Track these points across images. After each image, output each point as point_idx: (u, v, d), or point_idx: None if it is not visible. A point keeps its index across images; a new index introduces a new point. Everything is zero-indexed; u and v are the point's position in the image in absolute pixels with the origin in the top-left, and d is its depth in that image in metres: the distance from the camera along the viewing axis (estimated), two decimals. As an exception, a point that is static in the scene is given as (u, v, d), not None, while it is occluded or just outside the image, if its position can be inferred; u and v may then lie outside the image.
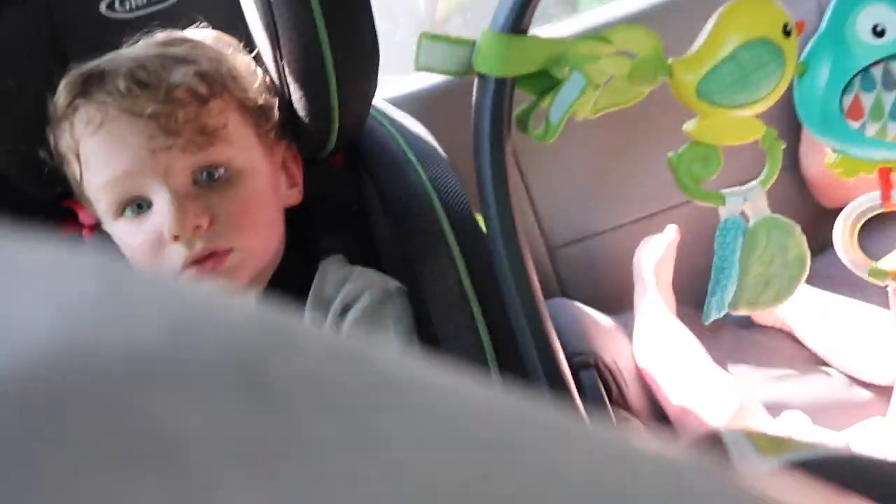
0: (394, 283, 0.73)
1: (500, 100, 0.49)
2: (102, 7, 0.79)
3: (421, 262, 0.73)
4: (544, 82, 0.52)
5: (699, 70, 0.52)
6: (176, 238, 0.61)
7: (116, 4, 0.79)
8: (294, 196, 0.74)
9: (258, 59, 0.74)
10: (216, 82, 0.64)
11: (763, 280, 0.51)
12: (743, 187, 0.54)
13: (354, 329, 0.67)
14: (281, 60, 0.71)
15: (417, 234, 0.74)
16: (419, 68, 0.50)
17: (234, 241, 0.64)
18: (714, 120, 0.53)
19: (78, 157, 0.65)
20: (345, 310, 0.69)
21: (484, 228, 0.76)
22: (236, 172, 0.64)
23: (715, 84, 0.52)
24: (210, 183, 0.63)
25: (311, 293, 0.71)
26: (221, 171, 0.63)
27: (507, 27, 0.47)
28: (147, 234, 0.63)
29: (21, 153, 0.70)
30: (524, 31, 0.48)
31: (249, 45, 0.75)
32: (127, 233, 0.65)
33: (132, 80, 0.61)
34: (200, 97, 0.63)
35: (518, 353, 0.63)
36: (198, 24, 0.73)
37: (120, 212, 0.64)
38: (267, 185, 0.68)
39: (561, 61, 0.50)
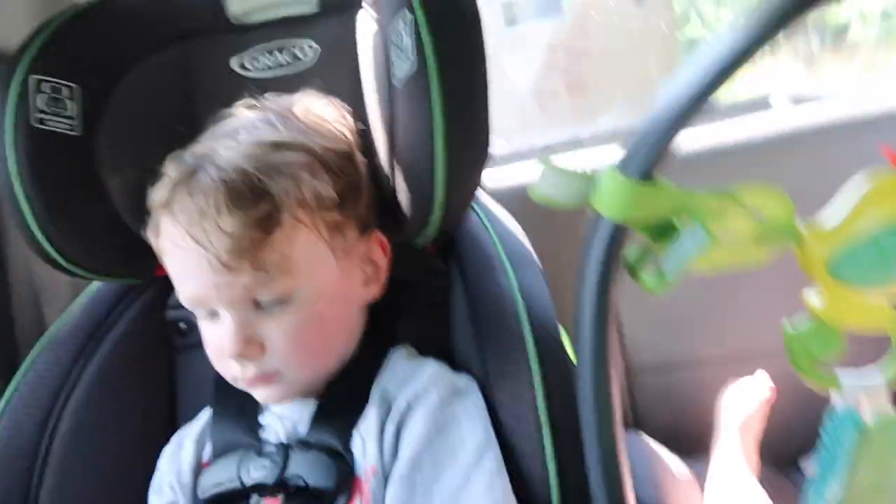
0: (464, 379, 0.70)
1: (613, 242, 0.47)
2: (234, 64, 0.82)
3: (497, 371, 0.71)
4: (661, 228, 0.50)
5: (834, 246, 0.48)
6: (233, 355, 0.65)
7: (247, 63, 0.82)
8: (373, 292, 0.73)
9: (365, 138, 0.75)
10: (289, 212, 0.64)
11: (876, 489, 0.46)
12: (863, 376, 0.50)
13: (423, 429, 0.65)
14: (393, 147, 0.71)
15: (499, 341, 0.72)
16: (536, 197, 0.48)
17: (282, 367, 0.66)
18: (841, 300, 0.49)
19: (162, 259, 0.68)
20: (409, 407, 0.66)
21: (569, 348, 0.74)
22: (296, 300, 0.65)
23: (849, 263, 0.48)
24: (271, 308, 0.65)
25: (375, 387, 0.69)
26: (282, 298, 0.65)
27: (636, 173, 0.45)
28: (215, 341, 0.67)
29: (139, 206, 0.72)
30: (652, 178, 0.45)
31: (362, 119, 0.76)
32: (203, 330, 0.69)
33: (202, 215, 0.62)
34: (267, 230, 0.63)
35: (585, 492, 0.59)
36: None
37: (197, 312, 0.68)
38: (330, 306, 0.68)
39: (683, 213, 0.47)
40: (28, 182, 0.71)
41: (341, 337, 0.71)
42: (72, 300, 0.84)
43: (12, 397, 0.75)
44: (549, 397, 0.67)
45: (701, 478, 0.84)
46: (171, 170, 0.66)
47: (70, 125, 0.74)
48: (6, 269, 0.94)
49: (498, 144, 1.07)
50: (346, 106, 0.75)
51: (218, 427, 0.73)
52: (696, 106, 0.42)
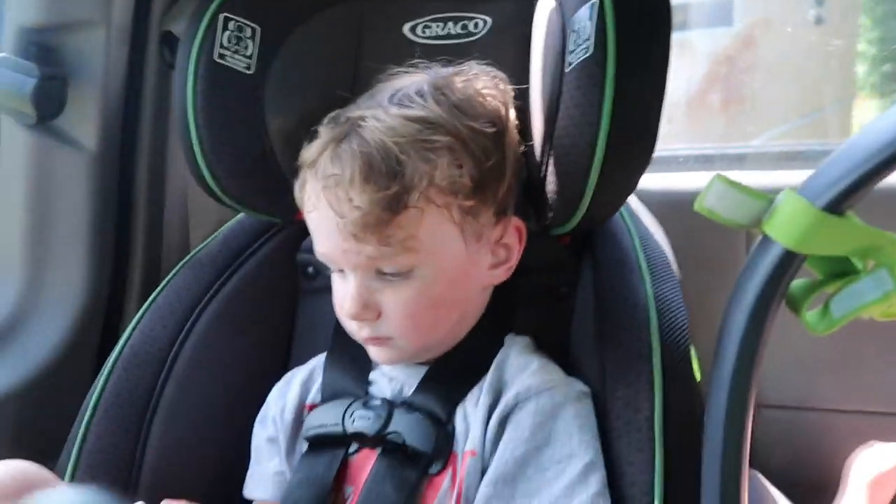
0: (578, 386, 0.69)
1: (781, 273, 0.43)
2: (406, 29, 0.83)
3: (615, 378, 0.68)
4: (837, 265, 0.46)
5: None
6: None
7: (419, 30, 0.83)
8: (499, 276, 0.72)
9: (522, 119, 0.74)
10: (421, 194, 0.64)
11: None
12: None
13: (529, 432, 0.64)
14: (551, 133, 0.69)
15: (623, 348, 0.69)
16: (700, 208, 0.45)
17: (394, 334, 0.68)
18: None
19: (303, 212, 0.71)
20: (518, 404, 0.65)
21: (696, 369, 0.70)
22: (417, 276, 0.66)
23: None
24: (392, 279, 0.66)
25: (489, 373, 0.69)
26: (403, 272, 0.66)
27: (826, 205, 0.41)
28: (339, 296, 0.70)
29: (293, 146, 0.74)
30: (842, 213, 0.41)
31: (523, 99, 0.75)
32: (333, 284, 0.72)
33: (338, 182, 0.64)
34: (395, 211, 0.63)
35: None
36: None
37: (330, 267, 0.71)
38: (450, 286, 0.68)
39: (870, 254, 0.43)
40: (200, 109, 0.75)
41: (457, 315, 0.70)
42: (217, 227, 0.89)
43: (151, 305, 0.80)
44: (667, 414, 0.64)
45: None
46: (324, 132, 0.68)
47: (246, 64, 0.77)
48: (164, 189, 1.00)
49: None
50: (509, 82, 0.74)
51: (330, 372, 0.76)
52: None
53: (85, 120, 0.91)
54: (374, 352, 0.71)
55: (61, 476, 0.70)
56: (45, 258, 0.94)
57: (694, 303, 0.79)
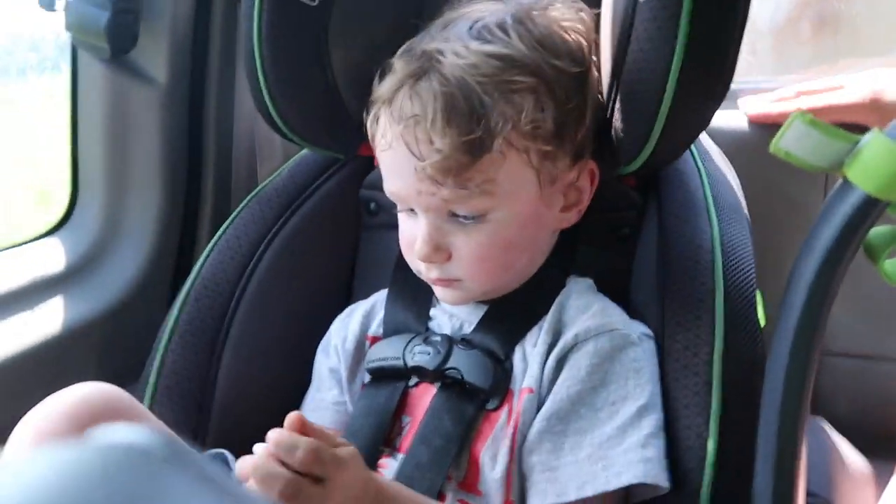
0: (638, 329, 0.68)
1: (861, 220, 0.41)
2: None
3: (675, 321, 0.67)
4: (926, 212, 0.43)
5: None
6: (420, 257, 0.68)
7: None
8: (569, 219, 0.71)
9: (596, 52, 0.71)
10: (502, 138, 0.62)
11: None
12: None
13: (586, 372, 0.64)
14: (621, 68, 0.67)
15: (685, 291, 0.68)
16: (776, 149, 0.43)
17: (464, 276, 0.68)
18: None
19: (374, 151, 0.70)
20: (577, 344, 0.65)
21: (761, 314, 0.68)
22: (491, 219, 0.65)
23: None
24: (465, 221, 0.66)
25: (549, 314, 0.68)
26: (477, 215, 0.65)
27: (915, 147, 0.38)
28: (408, 236, 0.69)
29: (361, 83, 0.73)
30: (933, 156, 0.39)
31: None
32: (401, 222, 0.71)
33: (417, 121, 0.62)
34: (476, 155, 0.62)
35: (744, 472, 0.55)
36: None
37: (399, 205, 0.70)
38: (522, 229, 0.67)
39: (962, 203, 0.40)
40: (266, 43, 0.75)
41: (527, 258, 0.70)
42: (283, 162, 0.90)
43: (221, 238, 0.83)
44: (726, 358, 0.64)
45: (880, 479, 0.76)
46: (399, 66, 0.66)
47: None
48: (233, 123, 1.02)
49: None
50: (590, 12, 0.71)
51: (392, 307, 0.77)
52: None
53: (156, 54, 0.93)
54: (440, 292, 0.71)
55: (140, 399, 0.75)
56: (122, 190, 0.98)
57: (765, 246, 0.76)
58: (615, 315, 0.68)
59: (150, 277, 0.97)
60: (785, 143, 0.43)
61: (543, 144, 0.64)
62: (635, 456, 0.60)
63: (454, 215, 0.66)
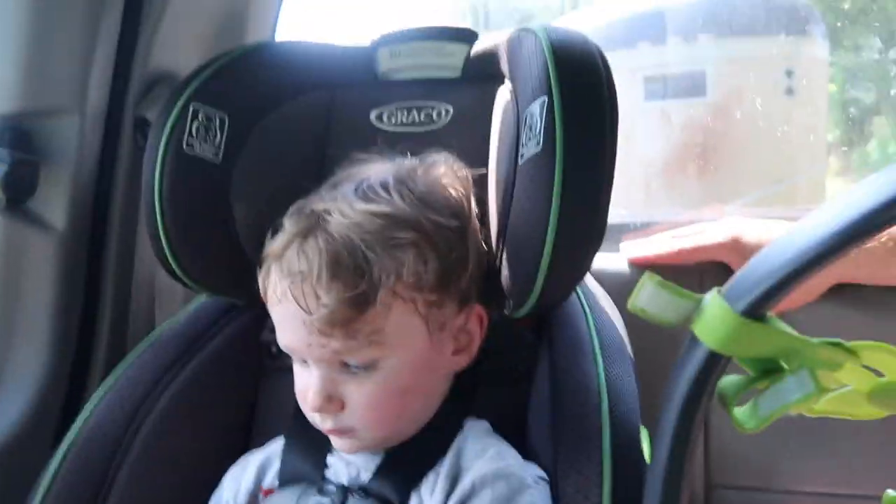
0: (533, 471, 0.69)
1: (707, 371, 0.45)
2: (373, 116, 0.86)
3: (567, 461, 0.69)
4: (766, 362, 0.47)
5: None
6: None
7: (384, 117, 0.86)
8: (461, 362, 0.73)
9: (482, 208, 0.76)
10: (387, 289, 0.65)
11: None
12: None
13: None
14: (506, 222, 0.72)
15: (574, 431, 0.70)
16: (633, 308, 0.47)
17: (358, 425, 0.68)
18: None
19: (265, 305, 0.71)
20: (474, 490, 0.66)
21: (647, 450, 0.71)
22: (382, 367, 0.67)
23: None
24: (357, 371, 0.67)
25: (447, 458, 0.69)
26: (368, 365, 0.67)
27: (745, 309, 0.43)
28: (301, 387, 0.70)
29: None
30: (762, 318, 0.43)
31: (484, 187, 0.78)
32: (295, 374, 0.72)
33: (303, 278, 0.65)
34: (361, 309, 0.64)
35: None
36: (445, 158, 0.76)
37: (292, 357, 0.71)
38: (414, 375, 0.69)
39: (790, 356, 0.45)
40: (167, 198, 0.77)
41: (420, 404, 0.71)
42: (183, 306, 0.89)
43: (113, 386, 0.80)
44: (614, 498, 0.65)
45: None
46: (289, 224, 0.69)
47: (214, 153, 0.79)
48: (133, 269, 1.01)
49: (618, 214, 1.05)
50: (470, 172, 0.77)
51: (288, 456, 0.75)
52: (828, 256, 0.40)
53: (56, 202, 0.93)
54: (336, 441, 0.71)
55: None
56: (9, 336, 0.94)
57: (650, 382, 0.79)
58: (511, 458, 0.69)
59: (32, 427, 0.92)
60: (640, 302, 0.47)
61: (428, 294, 0.67)
62: None
63: (346, 365, 0.67)
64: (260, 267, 0.71)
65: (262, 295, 0.71)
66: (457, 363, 0.73)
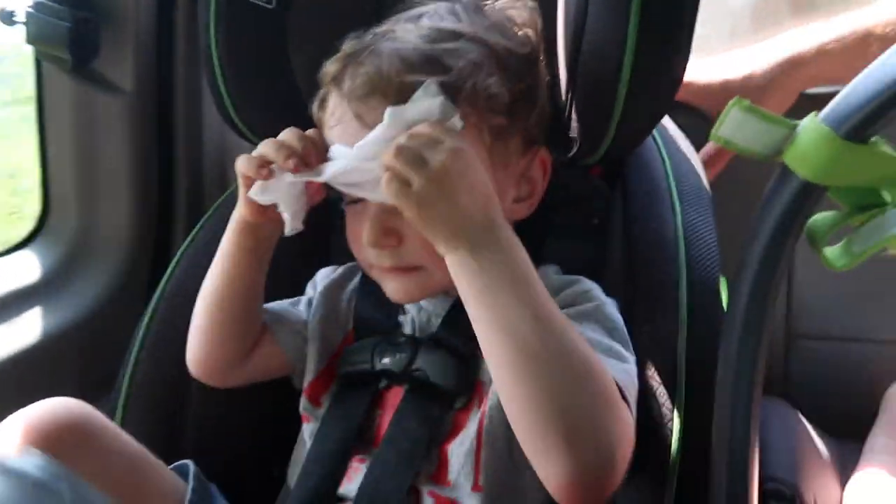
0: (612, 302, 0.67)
1: (800, 206, 0.41)
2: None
3: (642, 310, 0.67)
4: (864, 196, 0.43)
5: None
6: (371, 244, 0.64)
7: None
8: (521, 210, 0.69)
9: (550, 48, 0.70)
10: (465, 97, 0.60)
11: None
12: None
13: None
14: (577, 58, 0.66)
15: (650, 281, 0.68)
16: (715, 137, 0.43)
17: (421, 261, 0.64)
18: None
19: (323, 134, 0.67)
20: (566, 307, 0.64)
21: (724, 297, 0.69)
22: None
23: None
24: None
25: None
26: None
27: (848, 132, 0.38)
28: (356, 229, 0.66)
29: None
30: (867, 138, 0.39)
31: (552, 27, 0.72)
32: (348, 217, 0.68)
33: (370, 87, 0.60)
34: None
35: (707, 452, 0.55)
36: None
37: (345, 199, 0.67)
38: None
39: (896, 186, 0.40)
40: (224, 48, 0.75)
41: None
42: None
43: (191, 244, 0.82)
44: (690, 345, 0.64)
45: (846, 461, 0.77)
46: (346, 45, 0.65)
47: None
48: (202, 125, 1.02)
49: (700, 63, 0.98)
50: (538, 9, 0.71)
51: (363, 305, 0.76)
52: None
53: (121, 62, 0.93)
54: (394, 287, 0.67)
55: (112, 410, 0.75)
56: (94, 200, 0.97)
57: (730, 230, 0.76)
58: (589, 283, 0.68)
59: (124, 287, 0.97)
60: (724, 132, 0.43)
61: (496, 116, 0.63)
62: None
63: None
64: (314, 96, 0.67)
65: (316, 123, 0.68)
66: (516, 213, 0.68)
